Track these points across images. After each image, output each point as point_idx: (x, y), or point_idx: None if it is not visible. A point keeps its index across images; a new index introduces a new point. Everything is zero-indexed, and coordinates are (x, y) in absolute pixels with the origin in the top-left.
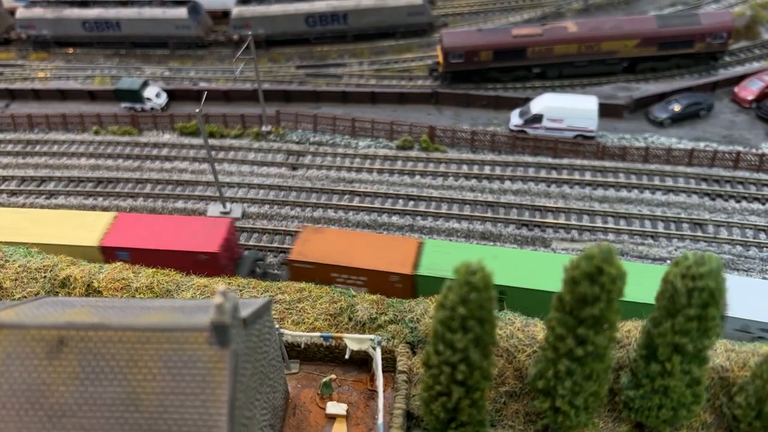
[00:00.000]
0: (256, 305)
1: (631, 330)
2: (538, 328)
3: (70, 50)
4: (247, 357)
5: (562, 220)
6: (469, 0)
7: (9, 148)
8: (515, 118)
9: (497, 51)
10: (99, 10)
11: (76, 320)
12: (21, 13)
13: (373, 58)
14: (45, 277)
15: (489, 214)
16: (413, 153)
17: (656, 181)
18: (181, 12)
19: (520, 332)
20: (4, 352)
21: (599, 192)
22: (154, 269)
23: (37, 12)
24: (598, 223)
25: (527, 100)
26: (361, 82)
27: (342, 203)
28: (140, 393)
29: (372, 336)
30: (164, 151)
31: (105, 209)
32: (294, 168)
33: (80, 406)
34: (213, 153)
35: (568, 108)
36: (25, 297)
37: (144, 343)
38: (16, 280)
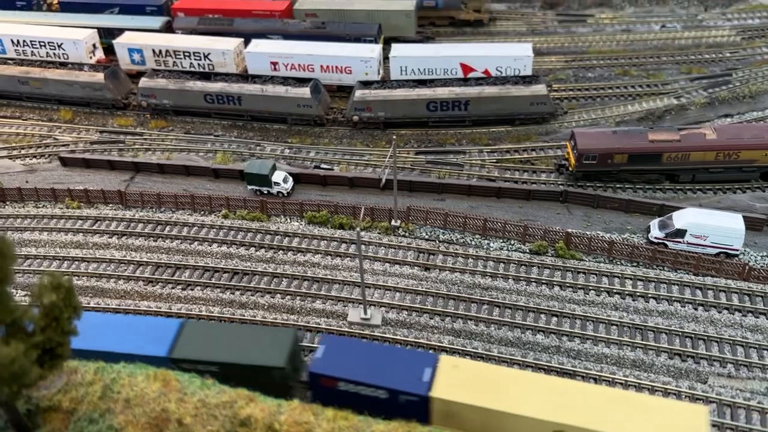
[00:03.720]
0: None
1: None
2: None
3: (165, 119)
4: None
5: (715, 351)
6: (583, 83)
7: (139, 228)
8: (655, 230)
9: (632, 155)
10: (222, 84)
11: None
12: (144, 82)
13: (490, 143)
14: (225, 415)
15: (638, 340)
16: (548, 260)
17: None
18: (304, 91)
19: None
20: None
21: (750, 320)
22: (332, 410)
23: (161, 82)
24: (754, 357)
25: (663, 207)
26: (484, 173)
27: (482, 315)
28: None
29: None
30: (295, 242)
31: (243, 305)
32: (426, 269)
33: None
34: (343, 246)
35: (713, 225)
36: None
37: None
38: (195, 416)
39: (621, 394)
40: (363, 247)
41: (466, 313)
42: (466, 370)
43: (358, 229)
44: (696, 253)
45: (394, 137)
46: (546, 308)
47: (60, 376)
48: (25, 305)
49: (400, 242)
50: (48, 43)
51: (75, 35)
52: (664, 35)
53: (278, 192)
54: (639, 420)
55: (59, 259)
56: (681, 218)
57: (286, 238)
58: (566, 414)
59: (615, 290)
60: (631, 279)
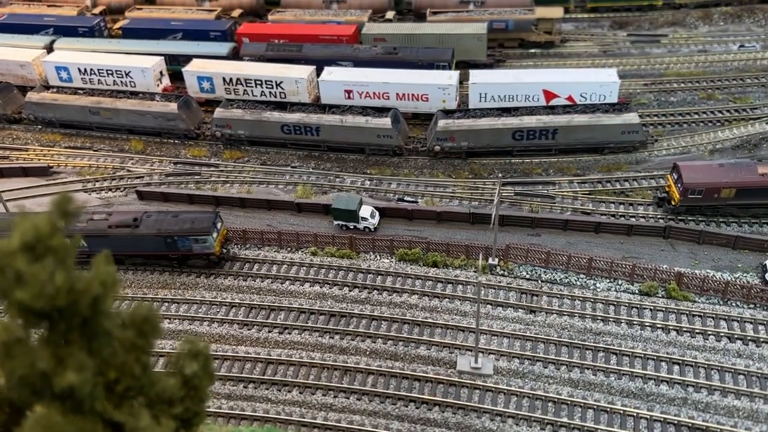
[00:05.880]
0: None
1: None
2: None
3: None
4: None
5: None
6: (667, 108)
7: (226, 266)
8: None
9: (741, 189)
10: (300, 114)
11: None
12: (219, 113)
13: (579, 173)
14: None
15: None
16: (660, 301)
17: None
18: (385, 121)
19: None
20: None
21: None
22: None
23: (236, 113)
24: None
25: None
26: (577, 205)
27: (599, 364)
28: None
29: None
30: (389, 281)
31: (344, 351)
32: (532, 311)
33: None
34: (439, 286)
35: None
36: None
37: None
38: None
39: None
40: (460, 287)
41: (581, 362)
42: None
43: (479, 277)
44: None
45: (500, 174)
46: (665, 356)
47: None
48: (162, 374)
49: (500, 282)
50: (115, 71)
51: (143, 63)
52: (744, 56)
53: (365, 227)
54: None
55: (147, 300)
56: None
57: (379, 277)
58: None
59: (736, 336)
60: (751, 323)
